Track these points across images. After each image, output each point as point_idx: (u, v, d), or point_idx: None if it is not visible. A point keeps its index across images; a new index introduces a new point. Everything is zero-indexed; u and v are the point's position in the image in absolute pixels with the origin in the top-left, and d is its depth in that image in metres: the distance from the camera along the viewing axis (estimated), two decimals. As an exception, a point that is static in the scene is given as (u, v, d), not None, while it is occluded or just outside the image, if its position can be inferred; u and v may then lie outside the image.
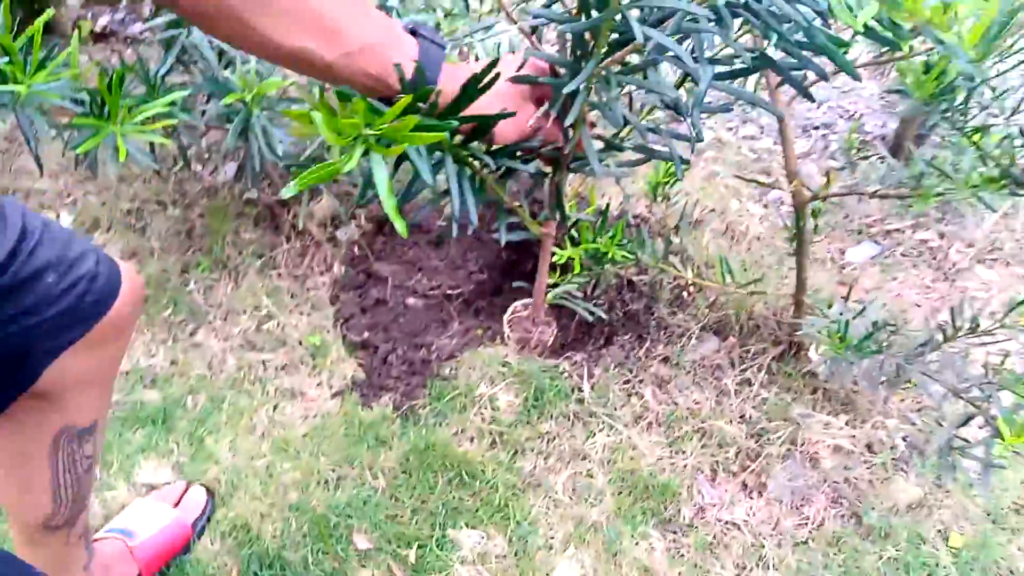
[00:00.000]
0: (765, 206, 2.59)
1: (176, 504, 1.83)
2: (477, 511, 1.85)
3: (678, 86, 1.14)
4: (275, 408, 2.00)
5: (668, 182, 2.10)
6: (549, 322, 2.18)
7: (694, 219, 2.46)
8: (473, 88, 0.81)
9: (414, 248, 2.25)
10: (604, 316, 2.11)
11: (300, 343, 2.12)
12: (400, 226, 0.75)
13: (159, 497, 1.83)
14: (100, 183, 2.44)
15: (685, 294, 2.29)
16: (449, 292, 2.18)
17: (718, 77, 0.91)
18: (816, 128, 2.98)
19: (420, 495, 1.88)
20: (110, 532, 1.56)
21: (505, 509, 1.86)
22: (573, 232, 1.91)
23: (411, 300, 2.13)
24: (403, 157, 0.85)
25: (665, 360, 2.14)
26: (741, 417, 2.06)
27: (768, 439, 2.01)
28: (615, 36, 0.88)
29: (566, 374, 2.07)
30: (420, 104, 0.76)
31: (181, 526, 1.77)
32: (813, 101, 0.94)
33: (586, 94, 0.91)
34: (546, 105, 0.97)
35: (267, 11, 0.66)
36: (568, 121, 0.94)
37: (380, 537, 1.81)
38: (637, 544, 1.82)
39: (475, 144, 0.95)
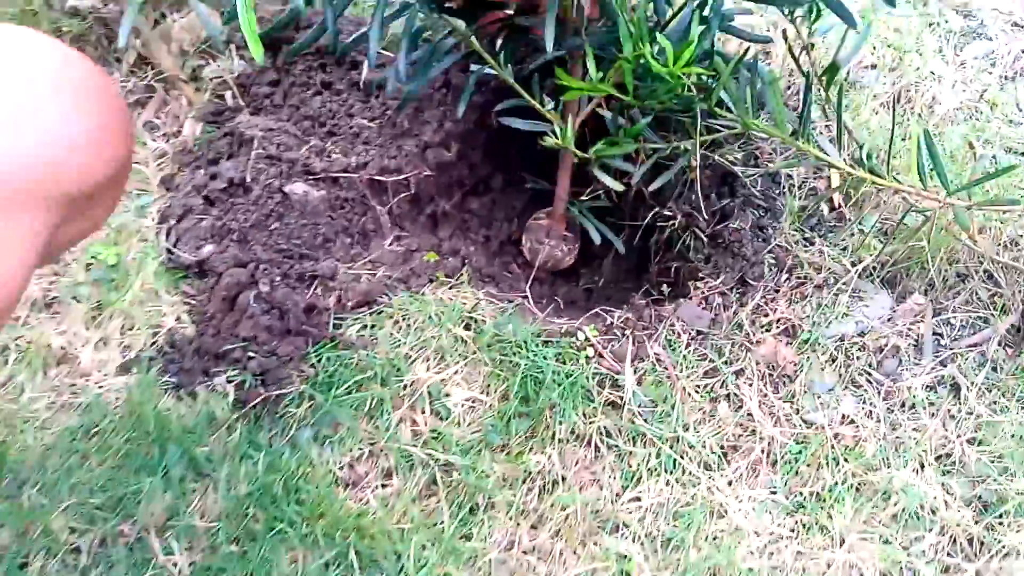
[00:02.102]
0: (963, 64, 1.47)
1: None
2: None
3: None
4: (1, 387, 1.00)
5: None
6: (570, 239, 1.17)
7: (845, 74, 1.37)
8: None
9: (326, 94, 1.21)
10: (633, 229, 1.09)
11: (87, 260, 1.10)
12: (256, 50, 0.63)
13: None
14: None
15: (826, 208, 1.21)
16: (379, 178, 1.14)
17: None
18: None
19: (260, 596, 0.88)
20: None
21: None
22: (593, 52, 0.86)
23: (297, 187, 1.09)
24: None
25: (788, 332, 1.08)
26: (943, 461, 1.01)
27: (1002, 517, 0.97)
28: None
29: (590, 350, 1.03)
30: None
31: None
32: None
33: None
34: None
35: None
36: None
37: None
38: None
39: None
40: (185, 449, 0.96)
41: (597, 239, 1.14)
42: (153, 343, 1.05)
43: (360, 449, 0.97)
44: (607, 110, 0.98)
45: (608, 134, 0.98)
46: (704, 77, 0.91)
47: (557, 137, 0.91)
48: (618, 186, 1.02)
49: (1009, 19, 1.55)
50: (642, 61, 0.77)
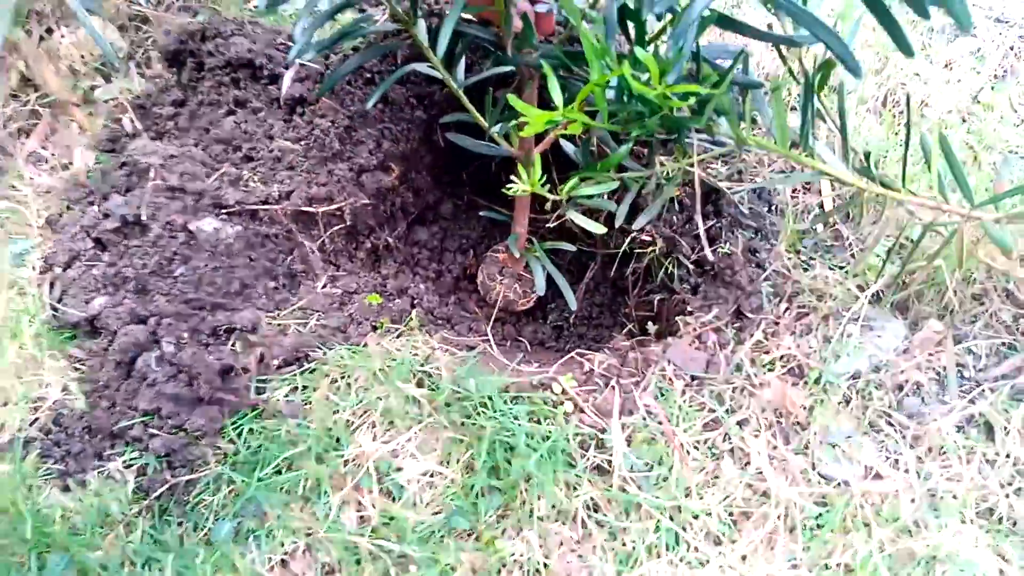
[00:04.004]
0: (950, 64, 1.35)
1: None
2: None
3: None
4: None
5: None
6: (525, 279, 1.01)
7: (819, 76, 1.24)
8: None
9: (241, 113, 1.03)
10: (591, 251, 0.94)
11: (-50, 320, 0.90)
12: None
13: None
14: None
15: (820, 226, 1.07)
16: (307, 208, 0.96)
17: None
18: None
19: None
20: None
21: None
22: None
23: (206, 224, 0.91)
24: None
25: (795, 372, 0.93)
26: (987, 518, 0.86)
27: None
28: None
29: (569, 405, 0.87)
30: None
31: None
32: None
33: None
34: None
35: None
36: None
37: None
38: None
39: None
40: (72, 556, 0.76)
41: (542, 288, 0.98)
42: (33, 421, 0.85)
43: (294, 542, 0.79)
44: (570, 140, 0.83)
45: (570, 159, 0.82)
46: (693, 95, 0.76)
47: (522, 180, 0.75)
48: (599, 228, 0.86)
49: (991, 14, 1.44)
50: (615, 83, 0.61)
